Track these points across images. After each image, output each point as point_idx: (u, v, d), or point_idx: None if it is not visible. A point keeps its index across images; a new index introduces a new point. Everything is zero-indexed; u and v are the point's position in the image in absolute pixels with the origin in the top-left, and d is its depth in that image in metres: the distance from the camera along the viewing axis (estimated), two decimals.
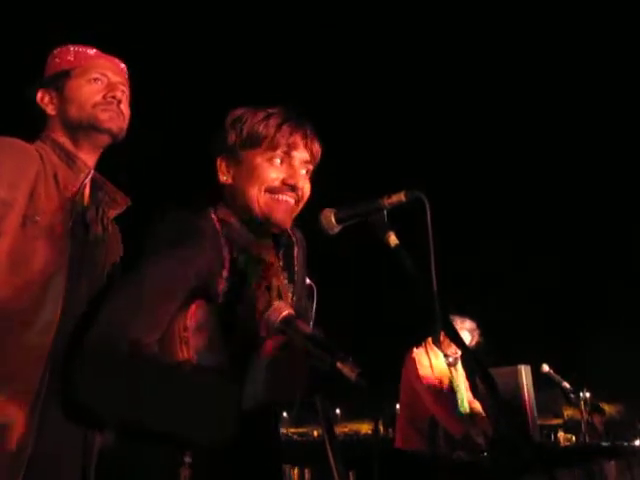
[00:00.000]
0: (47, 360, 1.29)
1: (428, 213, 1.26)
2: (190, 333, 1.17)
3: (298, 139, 1.38)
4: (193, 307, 1.19)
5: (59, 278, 1.35)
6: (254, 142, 1.37)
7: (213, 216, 1.37)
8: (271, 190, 1.35)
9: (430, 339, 4.01)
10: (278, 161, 1.37)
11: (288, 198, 1.37)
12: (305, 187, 1.41)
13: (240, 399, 1.11)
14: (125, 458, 1.18)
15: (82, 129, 1.52)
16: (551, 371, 3.95)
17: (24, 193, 1.34)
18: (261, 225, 1.38)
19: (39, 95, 1.55)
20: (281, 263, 1.45)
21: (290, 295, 1.44)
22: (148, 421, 1.12)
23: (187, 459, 1.14)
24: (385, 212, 1.31)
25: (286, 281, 1.44)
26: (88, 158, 1.54)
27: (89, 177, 1.49)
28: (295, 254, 1.51)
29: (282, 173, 1.36)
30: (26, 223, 1.32)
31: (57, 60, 1.57)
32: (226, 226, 1.36)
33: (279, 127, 1.36)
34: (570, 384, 3.96)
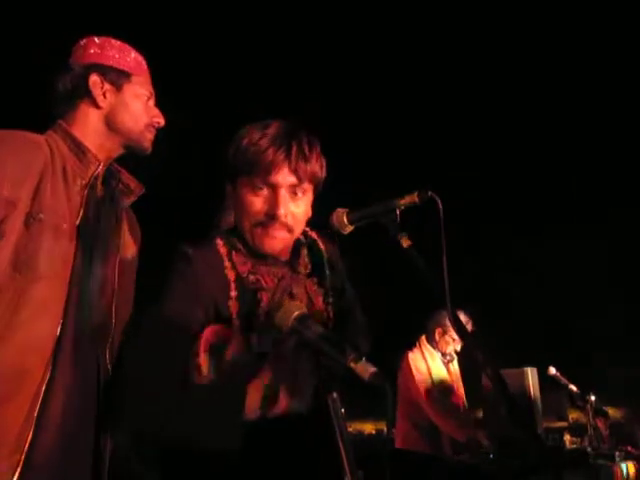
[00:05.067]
0: (50, 359, 1.27)
1: (441, 214, 1.26)
2: (201, 358, 1.20)
3: (280, 162, 1.31)
4: (203, 334, 1.23)
5: (64, 278, 1.32)
6: (243, 168, 1.34)
7: (218, 242, 1.38)
8: (260, 224, 1.34)
9: (424, 338, 3.97)
10: (262, 189, 1.33)
11: (276, 232, 1.34)
12: (296, 211, 1.35)
13: (242, 409, 1.16)
14: (146, 464, 1.22)
15: (125, 139, 1.51)
16: (558, 374, 3.94)
17: (28, 191, 1.31)
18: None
19: (93, 78, 1.49)
20: (307, 270, 1.45)
21: (321, 299, 1.43)
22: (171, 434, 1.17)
23: (211, 466, 1.16)
24: (397, 213, 1.31)
25: (315, 287, 1.43)
26: (105, 155, 1.51)
27: (99, 169, 1.46)
28: (325, 260, 1.50)
29: (265, 203, 1.33)
30: (30, 222, 1.29)
31: (117, 55, 1.52)
32: (233, 249, 1.37)
33: (265, 151, 1.30)
34: (577, 387, 3.95)
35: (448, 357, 3.96)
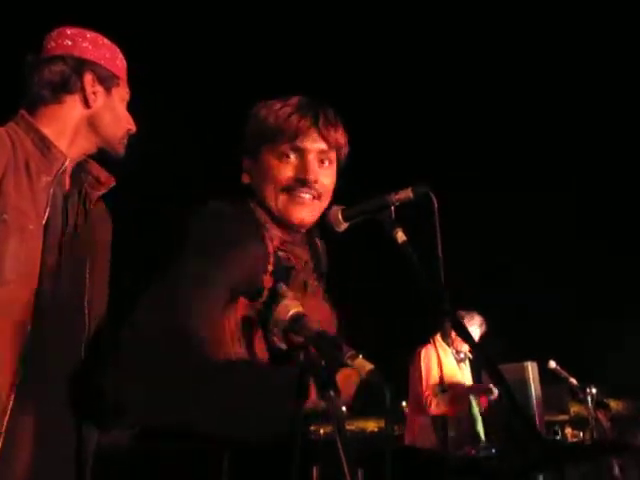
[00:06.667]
0: (20, 363, 1.22)
1: (436, 209, 1.26)
2: (241, 330, 1.13)
3: (308, 127, 1.29)
4: (240, 304, 1.16)
5: (31, 281, 1.26)
6: (266, 136, 1.30)
7: (254, 208, 1.32)
8: (287, 189, 1.29)
9: (439, 335, 4.00)
10: (289, 156, 1.29)
11: (305, 195, 1.30)
12: (324, 180, 1.32)
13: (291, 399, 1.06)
14: (148, 462, 1.12)
15: (104, 142, 1.48)
16: (558, 367, 3.94)
17: None
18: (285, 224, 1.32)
19: (88, 76, 1.43)
20: (312, 263, 1.40)
21: (321, 295, 1.40)
22: (197, 421, 1.04)
23: (225, 463, 1.07)
24: (392, 209, 1.30)
25: (316, 282, 1.39)
26: (77, 152, 1.46)
27: (65, 165, 1.39)
28: (321, 256, 1.46)
29: (294, 170, 1.29)
30: None
31: (107, 55, 1.47)
32: (262, 223, 1.31)
33: (288, 117, 1.28)
34: (577, 380, 3.95)
35: (462, 355, 4.01)
